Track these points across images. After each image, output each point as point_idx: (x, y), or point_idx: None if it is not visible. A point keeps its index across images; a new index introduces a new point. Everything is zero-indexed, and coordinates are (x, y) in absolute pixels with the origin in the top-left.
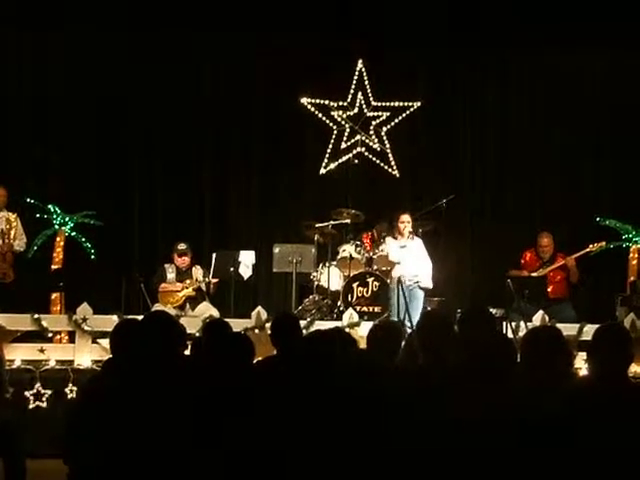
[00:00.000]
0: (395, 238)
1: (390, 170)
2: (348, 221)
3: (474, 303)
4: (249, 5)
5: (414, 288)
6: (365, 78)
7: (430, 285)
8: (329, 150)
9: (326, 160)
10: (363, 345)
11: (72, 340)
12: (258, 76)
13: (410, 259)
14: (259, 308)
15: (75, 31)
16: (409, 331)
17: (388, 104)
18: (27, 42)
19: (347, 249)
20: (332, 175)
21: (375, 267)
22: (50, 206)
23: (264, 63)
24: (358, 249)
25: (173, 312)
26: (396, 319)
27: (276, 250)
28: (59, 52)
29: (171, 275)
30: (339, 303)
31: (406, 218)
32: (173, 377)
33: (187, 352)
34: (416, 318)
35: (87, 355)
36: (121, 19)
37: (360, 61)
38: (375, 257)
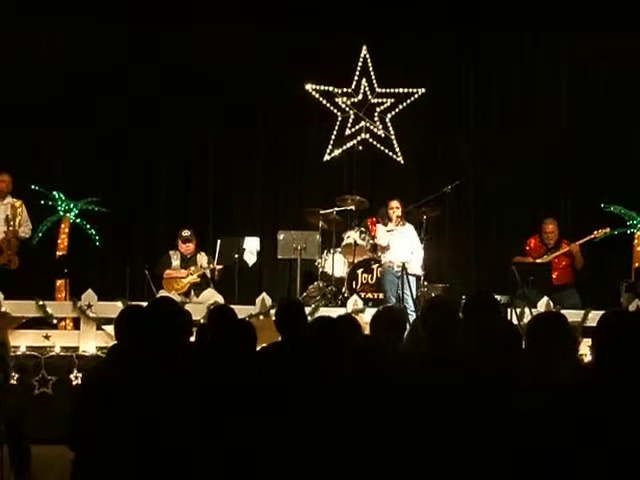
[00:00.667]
0: (385, 224)
1: (394, 156)
2: (352, 207)
3: (479, 289)
4: None
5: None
6: (369, 65)
7: (420, 272)
8: (333, 137)
9: (330, 147)
10: (368, 331)
11: (77, 327)
12: (263, 62)
13: (399, 245)
14: (264, 295)
15: (76, 23)
16: (412, 317)
17: (392, 90)
18: (31, 33)
19: (352, 236)
20: (336, 162)
21: (379, 254)
22: (55, 193)
23: (269, 50)
24: (362, 235)
25: (178, 299)
26: (390, 304)
27: (280, 237)
28: (61, 41)
29: (176, 262)
30: (343, 290)
31: (394, 204)
32: (177, 364)
33: (192, 338)
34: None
35: (92, 342)
36: (122, 14)
37: (364, 47)
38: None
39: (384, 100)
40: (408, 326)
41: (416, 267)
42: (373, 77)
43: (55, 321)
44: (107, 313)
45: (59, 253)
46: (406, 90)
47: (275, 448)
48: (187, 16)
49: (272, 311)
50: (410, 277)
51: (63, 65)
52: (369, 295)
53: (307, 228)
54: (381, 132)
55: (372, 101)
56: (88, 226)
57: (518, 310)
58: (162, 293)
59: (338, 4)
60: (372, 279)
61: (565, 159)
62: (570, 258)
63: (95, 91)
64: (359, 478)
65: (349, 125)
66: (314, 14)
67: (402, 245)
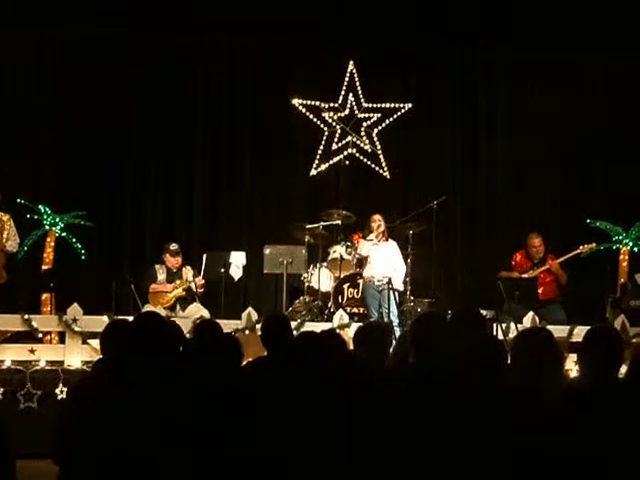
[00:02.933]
0: (365, 237)
1: (381, 171)
2: (339, 222)
3: (464, 304)
4: (240, 7)
5: (384, 289)
6: (356, 79)
7: (401, 287)
8: (320, 151)
9: (317, 161)
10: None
11: (62, 341)
12: (249, 77)
13: (381, 260)
14: (249, 309)
15: (71, 30)
16: (397, 332)
17: (379, 105)
18: (20, 40)
19: (338, 250)
20: (323, 176)
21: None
22: (40, 206)
23: (255, 64)
24: (349, 250)
25: (163, 313)
26: (373, 319)
27: (267, 251)
28: (52, 50)
29: (161, 276)
30: (329, 304)
31: (377, 217)
32: (163, 377)
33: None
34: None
35: (77, 356)
36: (119, 19)
37: (351, 62)
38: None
39: (371, 115)
40: (394, 341)
41: (398, 282)
42: (360, 92)
43: (40, 335)
44: (93, 327)
45: (45, 267)
46: (393, 105)
47: (261, 461)
48: (176, 26)
49: (258, 326)
50: (390, 292)
51: (54, 77)
52: (355, 310)
53: (293, 243)
54: (368, 147)
55: (359, 116)
56: (74, 240)
57: (504, 325)
58: (148, 307)
59: (325, 19)
60: (358, 294)
61: (551, 174)
62: (555, 274)
63: (83, 106)
64: None
65: (336, 140)
66: (301, 29)
67: (384, 260)
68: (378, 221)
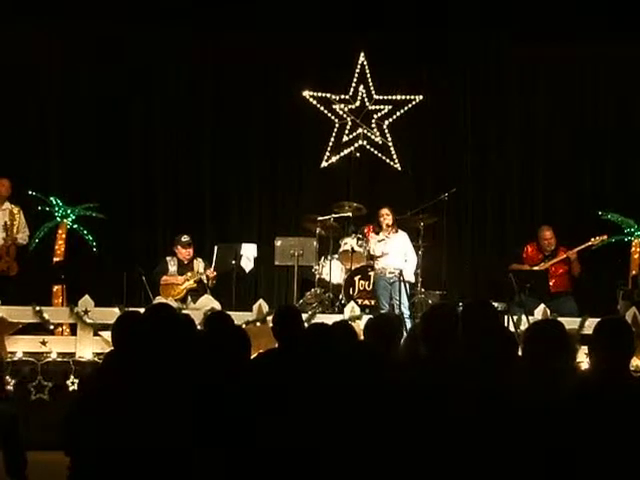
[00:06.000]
0: (377, 233)
1: (392, 163)
2: (350, 214)
3: (476, 297)
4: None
5: (395, 281)
6: (367, 71)
7: (412, 279)
8: (331, 143)
9: (328, 153)
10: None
11: (74, 332)
12: (260, 69)
13: (392, 251)
14: (261, 301)
15: (75, 25)
16: (408, 324)
17: (390, 97)
18: (28, 37)
19: (349, 242)
20: (334, 168)
21: (375, 260)
22: (52, 198)
23: (267, 56)
24: (360, 242)
25: (174, 305)
26: (383, 311)
27: (278, 243)
28: (61, 44)
29: (173, 268)
30: (341, 296)
31: (385, 211)
32: (174, 370)
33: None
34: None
35: (89, 347)
36: (123, 16)
37: (362, 54)
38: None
39: (382, 107)
40: (405, 332)
41: (409, 274)
42: (371, 84)
43: (52, 327)
44: (104, 319)
45: (56, 259)
46: (404, 97)
47: (272, 450)
48: (185, 20)
49: (269, 318)
50: (400, 283)
51: (63, 70)
52: (366, 302)
53: (304, 234)
54: (378, 139)
55: (370, 108)
56: (85, 232)
57: (515, 317)
58: (159, 299)
59: (336, 10)
60: (369, 286)
61: (562, 167)
62: (567, 265)
63: (93, 96)
64: None
65: (346, 132)
66: (313, 20)
67: (394, 252)
68: (386, 215)
